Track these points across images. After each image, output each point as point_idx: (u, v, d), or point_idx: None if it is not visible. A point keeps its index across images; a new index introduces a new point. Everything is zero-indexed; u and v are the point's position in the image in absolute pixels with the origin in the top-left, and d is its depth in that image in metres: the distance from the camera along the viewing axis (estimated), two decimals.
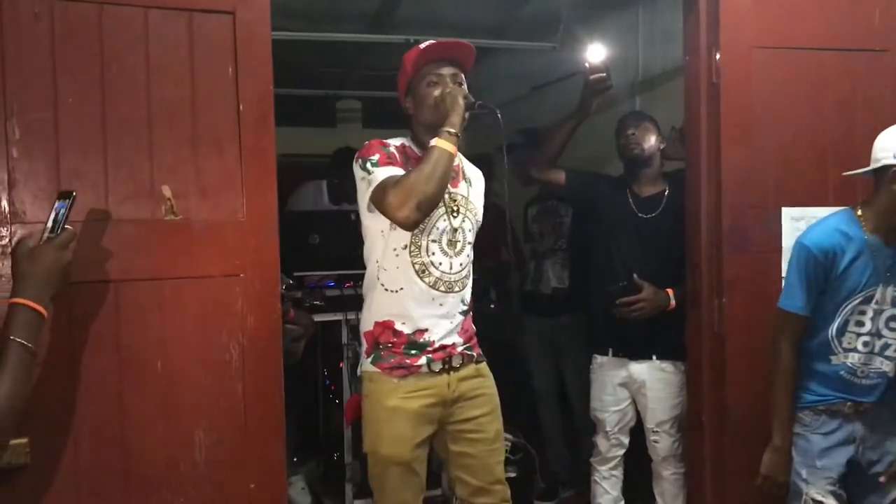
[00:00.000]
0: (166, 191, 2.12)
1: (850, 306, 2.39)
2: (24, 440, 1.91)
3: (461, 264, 2.37)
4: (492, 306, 4.49)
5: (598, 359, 3.34)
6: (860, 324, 2.41)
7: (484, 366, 2.48)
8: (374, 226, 2.31)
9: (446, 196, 2.32)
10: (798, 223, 2.71)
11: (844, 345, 2.43)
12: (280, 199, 2.26)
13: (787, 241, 2.71)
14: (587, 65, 3.06)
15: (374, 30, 5.09)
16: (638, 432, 3.34)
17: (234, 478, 2.21)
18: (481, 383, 2.44)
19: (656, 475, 3.30)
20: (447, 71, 2.34)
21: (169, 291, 2.13)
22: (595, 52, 3.04)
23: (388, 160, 2.24)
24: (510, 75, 5.72)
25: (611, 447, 3.33)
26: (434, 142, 2.18)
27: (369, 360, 2.35)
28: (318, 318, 3.67)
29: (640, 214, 3.23)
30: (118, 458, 2.08)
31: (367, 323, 2.38)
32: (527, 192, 4.21)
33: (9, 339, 1.56)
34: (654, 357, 3.18)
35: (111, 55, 2.07)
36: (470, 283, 2.44)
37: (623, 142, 3.22)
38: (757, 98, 2.71)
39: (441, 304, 2.33)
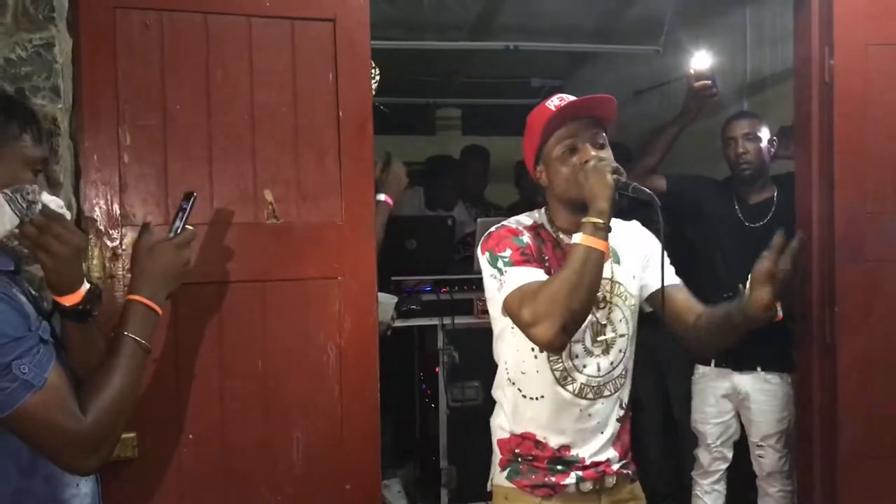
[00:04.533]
0: (268, 195, 2.17)
1: None
2: (132, 434, 1.98)
3: (612, 363, 1.92)
4: None
5: (700, 369, 3.24)
6: None
7: (638, 486, 2.05)
8: (502, 321, 1.91)
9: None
10: None
11: None
12: None
13: None
14: (692, 71, 2.99)
15: (475, 37, 5.11)
16: (743, 446, 3.22)
17: (329, 478, 2.23)
18: None
19: (762, 492, 3.18)
20: (587, 132, 1.86)
21: (270, 293, 2.17)
22: (700, 59, 2.98)
23: (524, 258, 1.81)
24: (612, 80, 5.66)
25: (713, 461, 3.22)
26: (578, 239, 1.71)
27: (504, 473, 1.95)
28: (414, 322, 3.70)
29: (747, 223, 3.12)
30: (219, 455, 2.14)
31: (500, 430, 1.99)
32: None
33: (123, 334, 1.57)
34: (759, 368, 3.08)
35: (216, 63, 2.13)
36: (628, 382, 1.99)
37: (734, 157, 3.12)
38: (873, 98, 2.57)
39: (590, 415, 1.90)
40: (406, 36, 4.83)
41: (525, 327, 1.72)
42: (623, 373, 1.96)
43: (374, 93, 2.83)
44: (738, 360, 3.10)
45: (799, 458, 2.89)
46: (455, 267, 4.08)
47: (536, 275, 1.77)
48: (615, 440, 1.96)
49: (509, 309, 1.78)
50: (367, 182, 2.28)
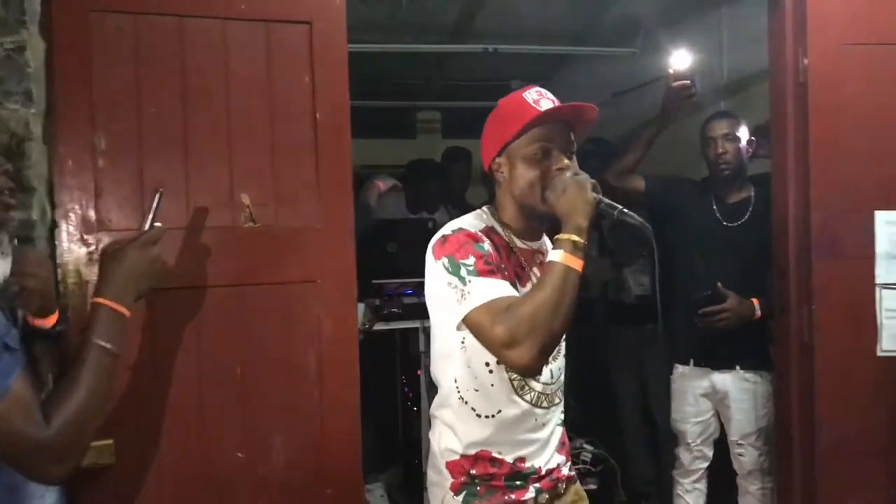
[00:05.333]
0: (245, 199, 2.16)
1: None
2: (110, 441, 1.96)
3: (560, 368, 1.88)
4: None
5: (679, 368, 3.26)
6: None
7: (579, 485, 2.02)
8: (453, 336, 1.77)
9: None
10: (893, 227, 2.58)
11: None
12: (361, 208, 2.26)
13: (882, 246, 2.59)
14: (671, 71, 3.01)
15: (455, 39, 5.11)
16: (723, 445, 3.24)
17: (310, 483, 2.22)
18: None
19: (742, 490, 3.19)
20: (563, 138, 1.77)
21: (248, 298, 2.16)
22: (679, 59, 2.99)
23: (488, 267, 1.69)
24: (590, 82, 5.67)
25: (693, 459, 3.23)
26: (557, 257, 1.62)
27: (459, 498, 1.80)
28: (395, 326, 3.70)
29: (725, 223, 3.14)
30: (198, 461, 2.12)
31: (449, 453, 1.83)
32: None
33: (89, 340, 1.54)
34: (738, 367, 3.09)
35: (191, 66, 2.12)
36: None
37: (713, 157, 3.13)
38: (847, 97, 2.59)
39: (544, 425, 1.85)
40: (385, 39, 4.83)
41: (499, 347, 1.61)
42: (562, 379, 1.92)
43: None
44: (716, 358, 3.12)
45: (778, 456, 2.90)
46: None
47: (504, 289, 1.67)
48: (559, 445, 1.93)
49: (475, 324, 1.66)
50: (346, 185, 2.27)
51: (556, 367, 1.86)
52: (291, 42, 2.21)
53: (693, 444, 3.21)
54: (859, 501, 2.59)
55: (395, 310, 3.64)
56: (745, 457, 3.11)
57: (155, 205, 1.79)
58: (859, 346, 2.60)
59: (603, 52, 5.18)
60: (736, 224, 3.11)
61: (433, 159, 5.04)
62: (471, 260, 1.69)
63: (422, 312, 3.66)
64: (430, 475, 1.91)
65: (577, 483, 2.02)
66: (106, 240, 2.02)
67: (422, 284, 3.84)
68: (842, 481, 2.58)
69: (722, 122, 3.15)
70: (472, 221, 1.82)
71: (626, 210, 1.72)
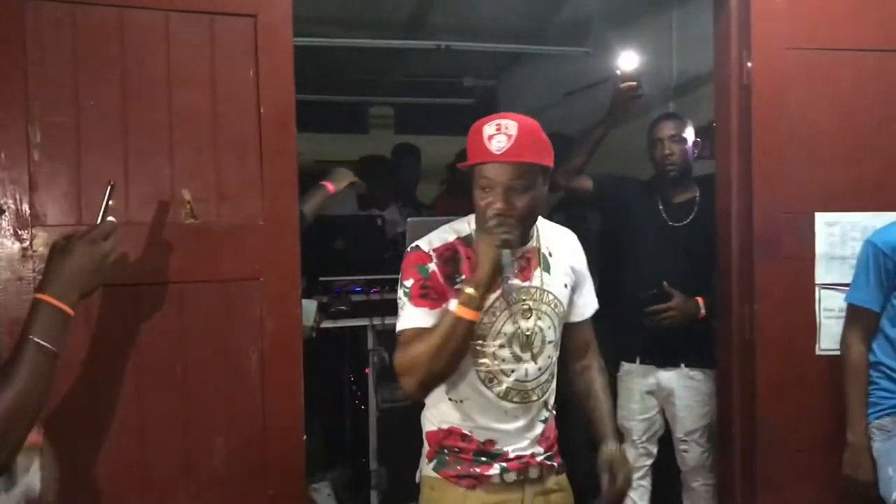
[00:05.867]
0: (186, 194, 2.12)
1: None
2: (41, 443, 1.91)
3: (540, 368, 1.94)
4: None
5: (625, 366, 3.28)
6: None
7: (564, 478, 2.10)
8: None
9: (513, 295, 1.90)
10: (832, 228, 2.63)
11: None
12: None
13: (821, 248, 2.63)
14: (618, 72, 3.02)
15: (408, 35, 5.10)
16: (667, 442, 3.27)
17: (252, 484, 2.19)
18: (561, 499, 2.07)
19: (686, 486, 3.23)
20: (507, 178, 1.77)
21: (188, 295, 2.13)
22: (627, 60, 3.00)
23: (422, 292, 1.83)
24: (543, 80, 5.70)
25: (639, 456, 3.26)
26: (453, 308, 1.76)
27: (431, 465, 1.98)
28: (343, 323, 3.67)
29: (670, 223, 3.17)
30: (136, 463, 2.09)
31: (428, 423, 2.01)
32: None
33: (27, 337, 1.47)
34: (683, 365, 3.13)
35: (132, 59, 2.08)
36: (554, 384, 2.03)
37: (660, 158, 3.15)
38: (790, 101, 2.63)
39: (516, 417, 1.93)
40: (338, 33, 4.79)
41: (397, 372, 1.82)
42: (550, 377, 2.00)
43: None
44: (662, 356, 3.15)
45: (720, 452, 2.94)
46: (385, 267, 4.05)
47: (423, 320, 1.81)
48: (540, 438, 2.00)
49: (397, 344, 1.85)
50: (290, 181, 2.24)
51: (532, 367, 1.93)
52: (236, 35, 2.18)
53: (638, 441, 3.24)
54: (798, 495, 2.63)
55: (343, 307, 3.62)
56: (689, 453, 3.15)
57: (106, 197, 1.72)
58: (799, 345, 2.65)
59: (555, 51, 5.21)
60: (681, 224, 3.15)
61: (385, 156, 5.02)
62: (409, 283, 1.85)
63: (370, 310, 3.67)
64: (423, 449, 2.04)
65: (563, 476, 2.09)
66: (42, 235, 1.98)
67: (371, 282, 3.84)
68: (781, 476, 2.62)
69: (669, 124, 3.18)
70: (437, 237, 1.92)
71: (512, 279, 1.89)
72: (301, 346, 2.26)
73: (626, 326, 3.20)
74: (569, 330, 2.07)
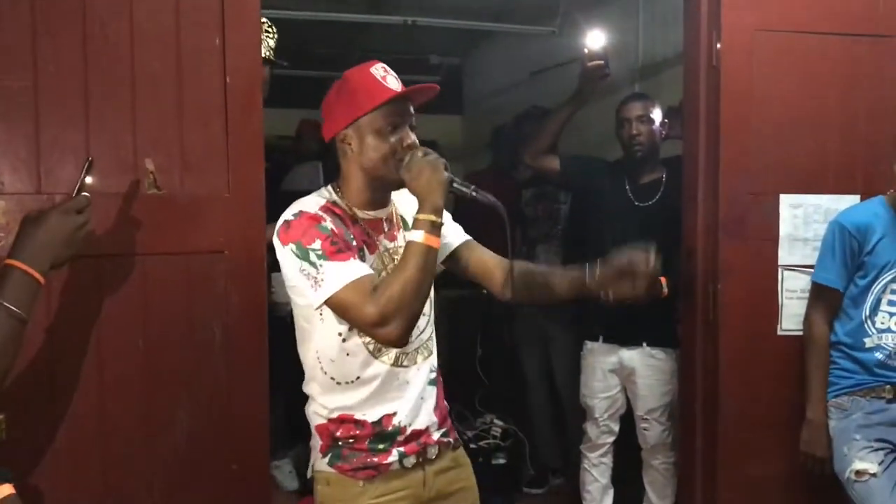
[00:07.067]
0: (149, 164, 2.06)
1: (881, 283, 2.46)
2: (0, 416, 1.86)
3: (420, 328, 1.88)
4: (484, 292, 4.45)
5: (589, 345, 3.30)
6: (892, 303, 2.46)
7: (461, 452, 2.04)
8: (311, 314, 1.82)
9: (384, 253, 1.87)
10: (796, 210, 2.67)
11: (878, 325, 2.47)
12: (275, 180, 2.18)
13: (786, 229, 2.67)
14: (585, 51, 3.02)
15: (372, 10, 5.04)
16: (629, 420, 3.31)
17: (215, 459, 2.16)
18: (459, 475, 2.00)
19: (646, 464, 3.27)
20: (409, 114, 1.83)
21: (150, 268, 2.07)
22: (594, 39, 2.99)
23: (335, 247, 1.72)
24: (509, 59, 5.68)
25: (600, 434, 3.29)
26: (417, 237, 1.70)
27: (325, 459, 1.87)
28: None
29: (636, 203, 3.19)
30: (97, 437, 2.04)
31: (316, 417, 1.90)
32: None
33: None
34: (645, 344, 3.15)
35: (94, 21, 2.00)
36: (435, 344, 1.99)
37: (627, 138, 3.16)
38: (757, 83, 2.65)
39: (408, 382, 1.88)
40: (301, 6, 4.72)
41: (369, 325, 1.69)
42: (430, 335, 1.96)
43: (271, 52, 2.76)
44: (624, 335, 3.18)
45: (682, 430, 2.98)
46: None
47: (358, 268, 1.73)
48: (434, 407, 1.95)
49: (340, 306, 1.71)
50: (257, 154, 2.19)
51: (423, 322, 1.88)
52: (202, 1, 2.12)
53: (601, 419, 3.27)
54: (758, 472, 2.68)
55: None
56: (650, 431, 3.19)
57: (83, 172, 1.74)
58: (761, 325, 2.68)
59: (522, 29, 5.19)
60: (647, 204, 3.17)
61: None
62: (317, 244, 1.72)
63: None
64: (312, 442, 1.94)
65: (459, 450, 2.03)
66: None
67: None
68: (742, 453, 2.67)
69: (637, 104, 3.19)
70: (310, 202, 1.83)
71: (477, 189, 1.79)
72: (266, 321, 2.23)
73: (590, 306, 3.21)
74: (461, 263, 2.01)
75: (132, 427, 2.08)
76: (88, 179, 1.80)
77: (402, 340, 1.72)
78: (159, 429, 2.10)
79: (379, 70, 1.83)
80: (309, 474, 1.95)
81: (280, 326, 2.33)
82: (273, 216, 2.26)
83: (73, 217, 1.63)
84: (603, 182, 3.26)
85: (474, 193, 1.78)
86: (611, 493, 3.38)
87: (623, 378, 3.23)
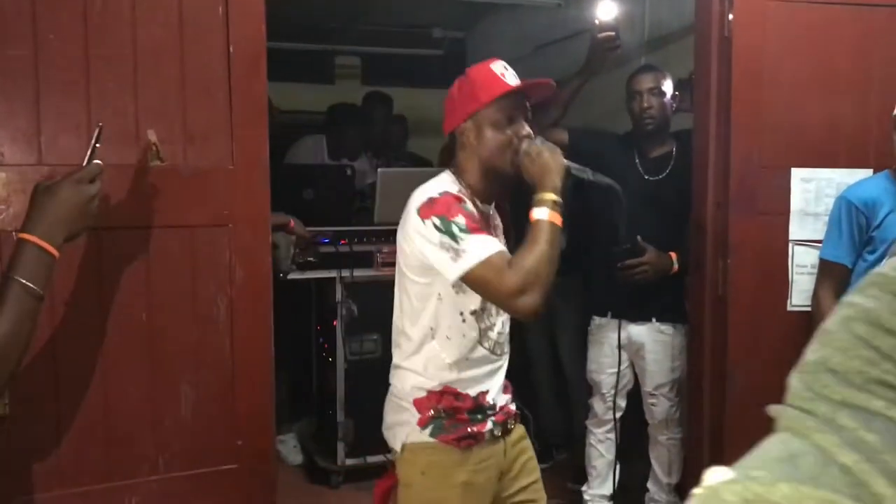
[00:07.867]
0: (152, 135, 2.02)
1: None
2: None
3: (504, 322, 2.04)
4: None
5: (597, 320, 3.28)
6: None
7: (521, 426, 2.19)
8: (429, 289, 1.91)
9: None
10: (808, 184, 2.63)
11: None
12: (278, 154, 2.15)
13: (797, 203, 2.63)
14: (596, 22, 2.96)
15: None
16: (635, 395, 3.29)
17: (220, 434, 2.15)
18: (528, 445, 2.15)
19: (652, 440, 3.26)
20: (524, 107, 1.95)
21: (154, 241, 2.05)
22: (605, 10, 2.94)
23: (476, 225, 1.83)
24: (514, 33, 5.61)
25: (607, 410, 3.27)
26: (544, 215, 1.80)
27: (426, 431, 1.95)
28: (311, 275, 3.61)
29: (646, 177, 3.14)
30: (100, 412, 2.02)
31: (415, 391, 1.97)
32: None
33: (11, 277, 1.45)
34: (654, 319, 3.12)
35: None
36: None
37: (638, 111, 3.11)
38: (769, 54, 2.61)
39: (497, 370, 2.04)
40: None
41: (508, 297, 1.78)
42: (507, 329, 2.08)
43: None
44: (633, 311, 3.15)
45: (690, 406, 2.96)
46: (355, 218, 3.98)
47: (497, 244, 1.83)
48: (505, 386, 2.11)
49: (479, 278, 1.80)
50: (261, 125, 2.16)
51: (502, 321, 2.02)
52: None
53: (608, 395, 3.25)
54: None
55: (311, 259, 3.55)
56: (657, 407, 3.17)
57: (94, 140, 1.69)
58: (771, 300, 2.66)
59: (527, 2, 5.12)
60: (657, 178, 3.12)
61: (355, 104, 4.90)
62: (461, 219, 1.81)
63: (339, 262, 3.60)
64: (391, 417, 2.02)
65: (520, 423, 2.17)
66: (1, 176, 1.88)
67: (340, 234, 3.76)
68: (750, 431, 2.62)
69: (648, 76, 3.14)
70: (447, 185, 1.93)
71: (594, 172, 1.92)
72: (271, 294, 2.20)
73: (599, 281, 3.18)
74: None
75: (136, 401, 2.06)
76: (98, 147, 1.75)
77: (538, 310, 1.80)
78: (164, 404, 2.09)
79: (499, 66, 1.93)
80: (398, 447, 1.98)
81: (282, 302, 2.31)
82: (278, 190, 2.23)
83: (85, 187, 1.59)
84: (612, 155, 3.20)
85: (591, 177, 1.93)
86: (617, 468, 3.37)
87: (631, 353, 3.21)
